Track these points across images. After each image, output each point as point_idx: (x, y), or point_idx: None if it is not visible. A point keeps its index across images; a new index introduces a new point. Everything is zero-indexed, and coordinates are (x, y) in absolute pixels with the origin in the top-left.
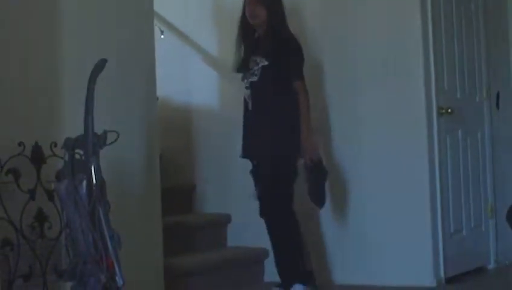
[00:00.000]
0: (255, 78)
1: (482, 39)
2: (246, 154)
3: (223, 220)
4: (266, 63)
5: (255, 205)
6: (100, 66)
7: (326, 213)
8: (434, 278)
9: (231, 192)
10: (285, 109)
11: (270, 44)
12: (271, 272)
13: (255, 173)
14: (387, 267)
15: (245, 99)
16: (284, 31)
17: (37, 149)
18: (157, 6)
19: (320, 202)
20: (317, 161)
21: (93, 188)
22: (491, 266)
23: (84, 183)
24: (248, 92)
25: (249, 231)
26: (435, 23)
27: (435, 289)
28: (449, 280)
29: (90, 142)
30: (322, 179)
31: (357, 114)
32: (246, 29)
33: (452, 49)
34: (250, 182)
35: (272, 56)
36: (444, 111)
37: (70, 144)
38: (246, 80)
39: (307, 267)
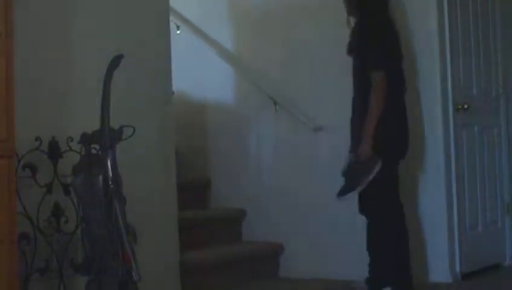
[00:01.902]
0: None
1: (498, 34)
2: None
3: (238, 215)
4: (352, 54)
5: (270, 200)
6: (116, 61)
7: (339, 205)
8: (450, 274)
9: (246, 187)
10: (362, 101)
11: (352, 35)
12: (286, 267)
13: None
14: None
15: None
16: (363, 21)
17: (53, 144)
18: (173, 2)
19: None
20: (362, 160)
21: (109, 182)
22: (507, 262)
23: (100, 178)
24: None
25: (264, 226)
26: (451, 19)
27: (451, 285)
28: (464, 277)
29: (107, 137)
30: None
31: None
32: None
33: (468, 45)
34: (265, 177)
35: (352, 48)
36: (460, 107)
37: (87, 139)
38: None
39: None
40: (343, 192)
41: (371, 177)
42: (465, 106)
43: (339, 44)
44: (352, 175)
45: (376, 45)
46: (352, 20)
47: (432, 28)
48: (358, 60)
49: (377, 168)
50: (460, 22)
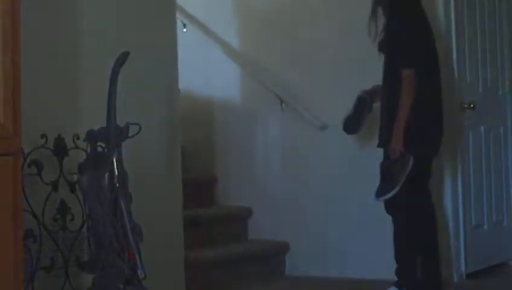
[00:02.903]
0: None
1: (505, 32)
2: None
3: (244, 213)
4: (383, 51)
5: (277, 198)
6: (122, 59)
7: (344, 203)
8: (455, 273)
9: (252, 185)
10: (391, 98)
11: (383, 35)
12: (292, 266)
13: None
14: None
15: None
16: (393, 19)
17: (59, 141)
18: (179, 0)
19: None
20: (395, 158)
21: (115, 180)
22: None
23: (106, 175)
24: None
25: (270, 224)
26: (458, 17)
27: (456, 284)
28: (470, 275)
29: (113, 134)
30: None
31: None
32: None
33: (475, 43)
34: (271, 175)
35: (384, 47)
36: (466, 106)
37: (93, 137)
38: None
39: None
40: (382, 193)
41: (405, 175)
42: (471, 105)
43: (346, 42)
44: (388, 174)
45: (407, 43)
46: (380, 18)
47: (438, 26)
48: (389, 58)
49: (409, 166)
50: (466, 20)
